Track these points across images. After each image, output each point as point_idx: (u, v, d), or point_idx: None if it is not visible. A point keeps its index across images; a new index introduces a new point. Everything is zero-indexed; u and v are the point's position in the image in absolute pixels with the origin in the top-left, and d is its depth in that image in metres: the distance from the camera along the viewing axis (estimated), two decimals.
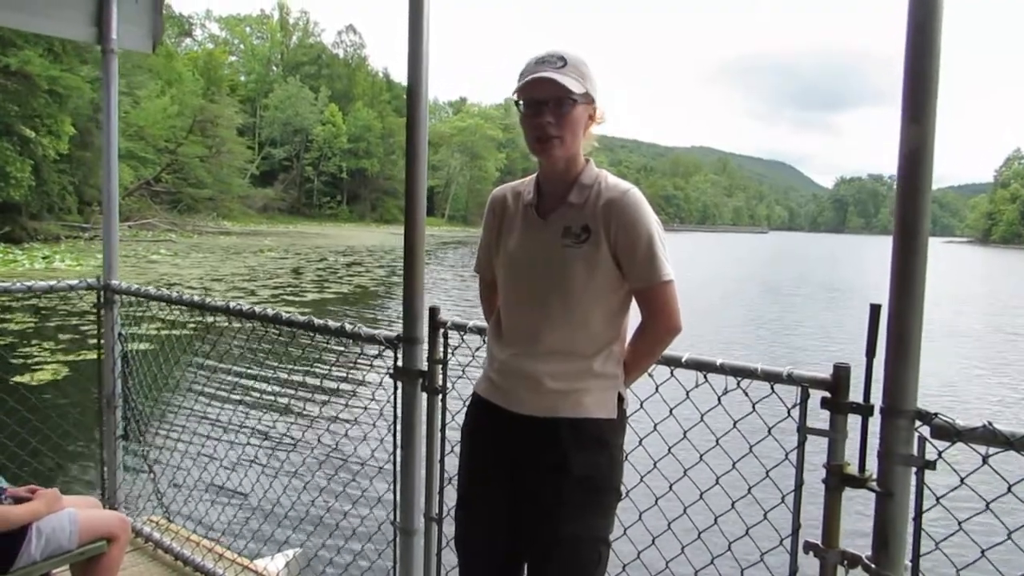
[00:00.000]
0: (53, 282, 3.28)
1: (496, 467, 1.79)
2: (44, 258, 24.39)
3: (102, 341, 3.36)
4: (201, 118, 51.04)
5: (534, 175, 1.85)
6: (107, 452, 3.40)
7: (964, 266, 52.98)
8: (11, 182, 27.02)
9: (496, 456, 1.80)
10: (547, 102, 1.67)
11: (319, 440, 3.31)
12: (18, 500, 2.37)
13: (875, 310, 1.51)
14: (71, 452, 6.01)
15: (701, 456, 1.82)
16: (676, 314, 1.70)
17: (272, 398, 8.29)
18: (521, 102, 1.71)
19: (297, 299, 18.92)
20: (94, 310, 3.35)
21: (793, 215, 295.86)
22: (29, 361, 9.83)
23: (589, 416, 1.69)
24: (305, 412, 6.75)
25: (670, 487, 1.91)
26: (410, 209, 2.22)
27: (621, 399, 1.75)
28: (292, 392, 7.99)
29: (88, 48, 32.00)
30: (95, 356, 3.41)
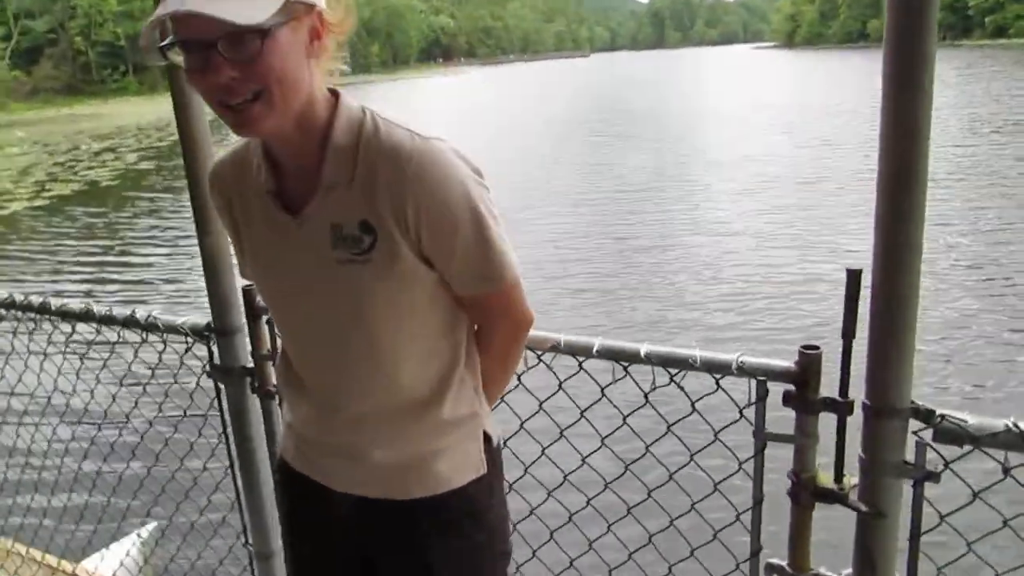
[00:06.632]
0: None
1: (335, 565, 1.29)
2: None
3: None
4: None
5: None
6: None
7: (769, 74, 54.84)
8: None
9: (332, 552, 1.28)
10: (214, 44, 0.89)
11: (137, 448, 2.52)
12: None
13: (854, 276, 1.10)
14: None
15: (627, 467, 1.41)
16: (524, 306, 1.17)
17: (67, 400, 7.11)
18: (170, 50, 0.92)
19: None
20: None
21: (615, 35, 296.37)
22: None
23: (450, 488, 1.18)
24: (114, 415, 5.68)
25: (587, 502, 1.50)
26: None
27: (488, 439, 1.22)
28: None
29: None
30: None
